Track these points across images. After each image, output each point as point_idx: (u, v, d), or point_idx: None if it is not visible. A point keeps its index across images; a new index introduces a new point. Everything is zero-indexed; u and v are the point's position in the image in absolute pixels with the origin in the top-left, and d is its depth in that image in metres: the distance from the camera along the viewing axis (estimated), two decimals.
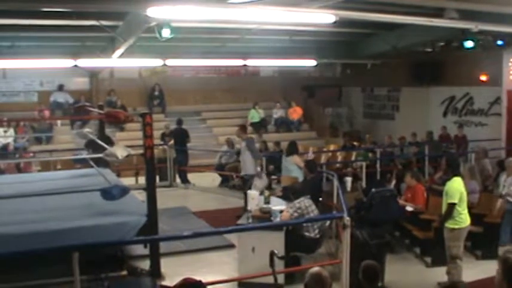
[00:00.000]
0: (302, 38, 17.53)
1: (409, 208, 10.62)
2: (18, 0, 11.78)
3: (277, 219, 8.88)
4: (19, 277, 7.88)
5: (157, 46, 15.92)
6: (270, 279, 7.33)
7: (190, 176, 17.06)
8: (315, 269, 4.98)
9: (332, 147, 20.25)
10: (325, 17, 11.61)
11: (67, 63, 17.55)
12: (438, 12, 12.27)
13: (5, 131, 18.91)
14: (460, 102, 20.01)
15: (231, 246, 9.90)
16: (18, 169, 17.05)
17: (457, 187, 8.46)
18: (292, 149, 13.22)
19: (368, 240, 8.44)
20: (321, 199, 11.25)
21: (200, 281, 4.45)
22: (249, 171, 13.15)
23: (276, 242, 8.03)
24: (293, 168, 12.81)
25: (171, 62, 18.89)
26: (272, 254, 5.96)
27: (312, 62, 20.31)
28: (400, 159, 16.88)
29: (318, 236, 8.89)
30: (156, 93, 22.08)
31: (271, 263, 5.95)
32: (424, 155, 16.54)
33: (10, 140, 18.66)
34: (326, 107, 24.29)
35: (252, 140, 13.81)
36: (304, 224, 8.78)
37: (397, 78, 21.69)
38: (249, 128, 21.25)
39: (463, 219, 8.43)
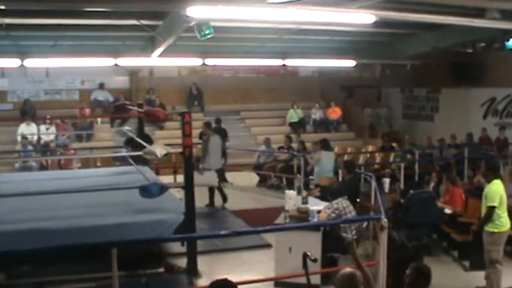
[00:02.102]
0: (341, 38, 17.45)
1: (447, 210, 10.52)
2: (61, 0, 11.98)
3: (314, 220, 8.86)
4: (59, 271, 8.02)
5: (196, 45, 16.00)
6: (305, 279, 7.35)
7: (229, 175, 17.08)
8: (347, 269, 4.96)
9: (370, 148, 20.13)
10: (364, 17, 11.56)
11: (108, 62, 17.77)
12: (479, 13, 12.10)
13: (47, 129, 19.22)
14: (501, 104, 19.68)
15: (268, 245, 9.90)
16: (60, 166, 17.32)
17: (496, 190, 8.34)
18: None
19: (405, 242, 8.38)
20: (358, 200, 11.20)
21: (232, 282, 4.45)
22: (214, 166, 13.63)
23: (313, 242, 8.02)
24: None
25: (211, 61, 18.97)
26: (305, 256, 5.93)
27: (351, 62, 20.21)
28: (439, 161, 16.70)
29: (355, 237, 8.85)
30: (194, 92, 22.21)
31: (304, 265, 5.93)
32: (464, 157, 16.32)
33: (52, 137, 18.96)
34: (365, 107, 24.13)
35: (217, 137, 14.43)
36: (342, 225, 8.75)
37: (436, 79, 21.44)
38: (288, 128, 21.37)
39: (503, 222, 8.31)
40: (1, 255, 7.01)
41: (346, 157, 17.63)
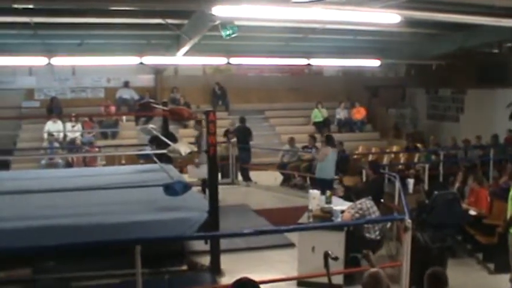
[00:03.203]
0: (366, 38, 17.37)
1: (472, 212, 10.44)
2: None
3: (338, 220, 8.85)
4: (84, 267, 8.09)
5: (221, 44, 16.05)
6: None
7: (253, 174, 17.12)
8: (373, 269, 4.96)
9: (395, 148, 20.08)
10: (389, 17, 11.50)
11: (133, 60, 17.90)
12: (507, 12, 11.98)
13: (73, 126, 19.39)
14: None
15: (291, 245, 9.90)
16: (85, 163, 17.47)
17: None
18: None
19: (429, 244, 8.33)
20: (382, 200, 11.17)
21: (254, 281, 4.47)
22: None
23: (337, 242, 8.01)
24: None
25: (235, 60, 19.01)
26: (326, 255, 5.93)
27: (376, 62, 20.13)
28: (464, 162, 16.58)
29: (378, 237, 8.83)
30: (218, 92, 22.27)
31: (326, 264, 5.92)
32: (489, 159, 16.17)
33: (77, 134, 19.13)
34: (390, 107, 24.02)
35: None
36: (365, 225, 8.73)
37: (462, 79, 21.26)
38: (312, 127, 21.34)
39: None
40: (28, 250, 7.13)
41: (370, 157, 17.62)
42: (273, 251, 9.93)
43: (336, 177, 13.75)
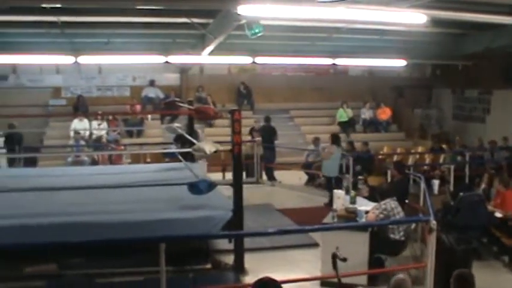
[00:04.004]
0: (392, 38, 17.28)
1: (498, 214, 10.34)
2: None
3: (362, 220, 8.82)
4: (109, 264, 8.16)
5: (247, 44, 16.08)
6: (353, 280, 7.33)
7: (277, 173, 17.12)
8: (400, 276, 4.93)
9: (420, 149, 19.97)
10: (416, 17, 11.43)
11: (158, 59, 18.00)
12: None
13: (99, 124, 19.53)
14: None
15: (315, 244, 9.87)
16: (110, 161, 17.59)
17: None
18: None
19: (454, 245, 8.26)
20: (407, 201, 11.11)
21: (276, 281, 4.47)
22: None
23: (361, 242, 7.99)
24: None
25: (260, 59, 19.02)
26: (334, 256, 5.90)
27: (401, 62, 20.02)
28: (490, 164, 16.42)
29: (403, 238, 8.78)
30: (243, 91, 22.29)
31: (334, 265, 5.89)
32: None
33: (103, 132, 19.27)
34: (415, 108, 23.84)
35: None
36: (390, 226, 8.69)
37: (488, 80, 21.02)
38: (337, 127, 21.29)
39: None
40: (54, 246, 7.21)
41: (395, 158, 17.53)
42: (296, 251, 9.91)
43: (361, 177, 13.72)
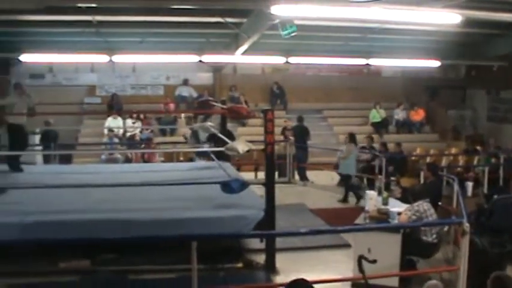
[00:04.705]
0: (426, 38, 17.13)
1: None
2: None
3: (394, 221, 8.76)
4: (141, 261, 8.23)
5: (280, 43, 16.09)
6: (385, 281, 7.30)
7: (309, 174, 17.08)
8: (433, 282, 4.90)
9: (454, 150, 19.79)
10: (450, 17, 11.34)
11: (192, 58, 18.11)
12: None
13: (133, 122, 19.69)
14: None
15: (346, 245, 9.82)
16: (143, 159, 17.73)
17: None
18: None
19: (488, 249, 8.18)
20: (440, 203, 11.01)
21: (309, 282, 4.47)
22: None
23: (392, 244, 7.94)
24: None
25: (294, 59, 19.01)
26: (360, 258, 5.86)
27: (435, 63, 19.87)
28: None
29: (435, 240, 8.70)
30: (276, 91, 22.30)
31: (360, 268, 5.85)
32: None
33: (137, 131, 19.42)
34: (449, 109, 23.63)
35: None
36: (422, 228, 8.62)
37: None
38: (370, 128, 21.19)
39: None
40: (88, 242, 7.30)
41: (428, 159, 17.40)
42: (328, 251, 9.86)
43: (393, 178, 13.66)
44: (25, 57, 17.61)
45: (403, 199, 10.12)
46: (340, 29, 15.32)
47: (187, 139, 16.81)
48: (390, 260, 7.70)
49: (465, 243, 6.88)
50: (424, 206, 8.72)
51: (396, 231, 8.27)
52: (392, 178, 13.45)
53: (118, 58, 17.61)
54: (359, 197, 13.63)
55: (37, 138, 17.28)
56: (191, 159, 16.44)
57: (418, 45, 18.27)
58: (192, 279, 5.94)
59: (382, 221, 8.83)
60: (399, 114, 22.41)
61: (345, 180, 14.38)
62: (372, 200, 9.46)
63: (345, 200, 13.97)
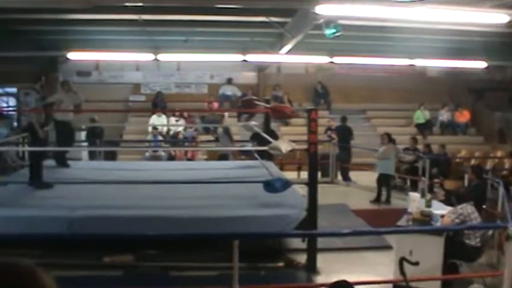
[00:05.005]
0: (472, 39, 16.88)
1: None
2: None
3: (437, 224, 8.69)
4: (183, 257, 8.30)
5: (324, 43, 16.04)
6: (426, 284, 7.23)
7: (352, 174, 17.02)
8: (475, 286, 4.87)
9: (499, 153, 19.49)
10: (497, 17, 11.17)
11: (236, 57, 18.16)
12: None
13: (177, 120, 19.87)
14: None
15: (388, 247, 9.78)
16: (187, 157, 17.89)
17: None
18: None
19: None
20: (484, 206, 10.88)
21: (352, 285, 4.45)
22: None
23: (435, 247, 7.87)
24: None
25: (338, 59, 18.94)
26: (402, 260, 5.82)
27: (481, 64, 19.57)
28: None
29: (479, 244, 8.60)
30: (320, 91, 22.26)
31: (401, 270, 5.81)
32: None
33: (180, 129, 19.59)
34: (495, 111, 23.24)
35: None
36: (466, 231, 8.53)
37: None
38: (414, 129, 21.01)
39: None
40: (132, 238, 7.41)
41: (473, 162, 17.18)
42: (369, 252, 9.82)
43: (437, 180, 13.54)
44: (72, 55, 17.89)
45: (447, 201, 10.03)
46: (385, 28, 15.19)
47: (219, 137, 16.93)
48: (432, 263, 7.63)
49: (510, 248, 6.78)
50: (468, 209, 8.62)
51: (439, 234, 8.20)
52: (436, 180, 13.33)
53: (163, 57, 17.78)
54: (388, 198, 13.66)
55: (83, 135, 17.57)
56: (221, 157, 16.56)
57: (464, 45, 18.02)
58: (233, 278, 5.97)
59: (424, 224, 8.76)
60: (444, 116, 22.16)
61: (383, 181, 14.26)
62: (414, 202, 9.39)
63: (377, 199, 13.90)
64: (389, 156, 14.13)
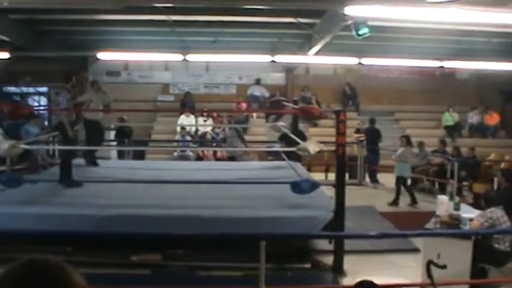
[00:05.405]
0: (502, 40, 16.74)
1: None
2: None
3: (466, 227, 8.63)
4: (210, 257, 8.34)
5: (353, 44, 15.99)
6: None
7: (380, 176, 16.94)
8: None
9: None
10: None
11: (265, 58, 18.21)
12: None
13: (205, 121, 19.94)
14: None
15: (415, 250, 9.73)
16: (215, 157, 17.95)
17: None
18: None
19: None
20: None
21: (377, 285, 4.44)
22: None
23: (463, 250, 7.81)
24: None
25: (367, 61, 18.87)
26: (429, 263, 5.78)
27: (511, 66, 19.35)
28: None
29: (508, 249, 8.51)
30: (348, 92, 22.20)
31: (429, 273, 5.78)
32: None
33: (209, 129, 19.66)
34: None
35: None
36: (495, 235, 8.46)
37: None
38: (442, 131, 20.85)
39: None
40: (160, 237, 7.47)
41: (503, 165, 17.01)
42: (396, 255, 9.78)
43: (466, 183, 13.44)
44: (102, 55, 18.06)
45: (475, 205, 9.95)
46: (414, 30, 15.11)
47: (227, 139, 17.01)
48: (460, 267, 7.58)
49: None
50: (497, 212, 8.54)
51: (467, 238, 8.13)
52: (465, 183, 13.22)
53: (192, 57, 17.87)
54: (414, 199, 13.55)
55: (112, 134, 17.71)
56: (229, 159, 16.68)
57: (494, 47, 17.84)
58: (260, 278, 6.00)
59: (453, 227, 8.70)
60: (473, 118, 21.96)
61: (402, 183, 14.19)
62: (443, 204, 9.33)
63: (395, 202, 13.82)
64: (406, 158, 14.02)
